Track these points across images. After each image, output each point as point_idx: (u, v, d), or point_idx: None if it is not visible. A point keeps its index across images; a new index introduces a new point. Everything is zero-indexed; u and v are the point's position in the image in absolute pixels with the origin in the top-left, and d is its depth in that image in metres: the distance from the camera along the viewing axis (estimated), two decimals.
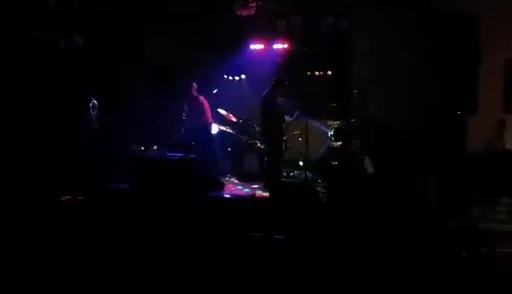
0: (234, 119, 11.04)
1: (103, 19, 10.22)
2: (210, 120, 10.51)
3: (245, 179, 10.11)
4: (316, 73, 11.83)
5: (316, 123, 10.51)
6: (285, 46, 11.62)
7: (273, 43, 11.70)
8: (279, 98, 9.51)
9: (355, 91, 9.94)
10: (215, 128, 10.69)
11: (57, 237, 6.59)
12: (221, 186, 8.86)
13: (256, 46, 11.74)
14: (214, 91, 10.98)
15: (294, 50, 11.63)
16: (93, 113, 10.23)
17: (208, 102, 10.59)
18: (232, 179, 10.19)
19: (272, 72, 10.99)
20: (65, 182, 8.24)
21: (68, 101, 9.76)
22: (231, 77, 12.39)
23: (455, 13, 8.20)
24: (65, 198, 8.07)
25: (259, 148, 10.52)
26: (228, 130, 10.86)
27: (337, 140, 9.96)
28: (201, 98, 10.43)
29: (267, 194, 8.12)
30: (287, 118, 9.73)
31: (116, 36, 10.39)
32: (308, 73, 11.79)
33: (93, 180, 8.82)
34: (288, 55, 11.68)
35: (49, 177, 8.06)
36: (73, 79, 9.78)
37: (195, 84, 10.44)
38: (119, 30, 10.45)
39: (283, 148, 9.76)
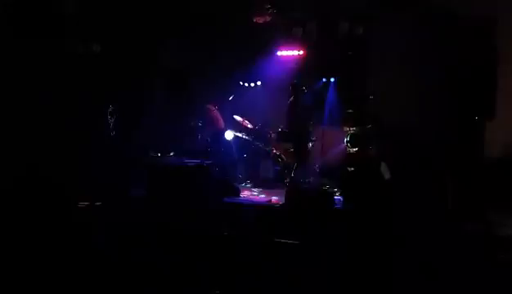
0: (250, 126, 11.07)
1: (120, 25, 10.30)
2: (222, 126, 10.59)
3: (261, 185, 10.12)
4: (332, 79, 11.82)
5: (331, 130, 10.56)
6: (301, 52, 11.65)
7: (289, 50, 11.74)
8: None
9: (371, 97, 9.93)
10: (231, 135, 10.73)
11: (73, 243, 6.63)
12: (236, 192, 8.87)
13: (272, 53, 11.78)
14: (230, 98, 11.03)
15: (309, 56, 11.66)
16: (111, 120, 10.30)
17: (224, 108, 10.66)
18: (248, 185, 10.19)
19: (288, 78, 11.05)
20: (82, 189, 8.29)
21: (85, 108, 9.83)
22: (246, 84, 12.43)
23: (472, 16, 8.16)
24: (82, 204, 8.13)
25: (275, 154, 10.55)
26: (244, 136, 10.89)
27: (353, 147, 9.94)
28: (209, 107, 10.57)
29: (282, 200, 8.10)
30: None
31: (133, 42, 10.47)
32: (324, 79, 11.79)
33: (110, 187, 8.87)
34: (304, 62, 11.70)
35: (66, 184, 8.11)
36: (90, 86, 9.87)
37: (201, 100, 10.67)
38: (135, 36, 10.52)
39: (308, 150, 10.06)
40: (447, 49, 8.64)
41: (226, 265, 6.68)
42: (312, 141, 10.15)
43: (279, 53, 11.87)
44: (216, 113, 10.58)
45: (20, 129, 8.96)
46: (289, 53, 11.84)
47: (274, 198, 8.63)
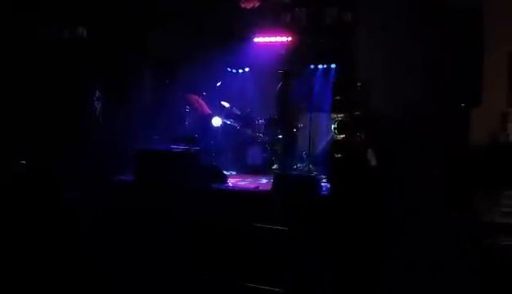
0: (237, 112, 11.05)
1: (106, 10, 10.21)
2: (208, 112, 10.58)
3: (249, 171, 10.13)
4: (320, 65, 11.80)
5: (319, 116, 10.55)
6: (290, 38, 11.61)
7: (277, 36, 11.69)
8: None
9: (359, 84, 9.94)
10: (218, 121, 10.70)
11: (62, 231, 6.61)
12: (224, 179, 8.86)
13: (260, 39, 11.74)
14: (218, 84, 10.99)
15: (298, 42, 11.63)
16: (98, 105, 10.24)
17: (212, 95, 10.64)
18: (235, 171, 10.20)
19: (276, 65, 11.03)
20: (69, 176, 8.25)
21: (72, 94, 9.76)
22: (234, 70, 12.38)
23: (459, 6, 8.17)
24: (69, 192, 8.09)
25: (263, 141, 10.56)
26: (232, 123, 10.88)
27: (340, 133, 9.97)
28: (189, 96, 10.56)
29: (269, 187, 8.11)
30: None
31: (119, 28, 10.38)
32: (312, 65, 11.76)
33: (98, 173, 8.83)
34: (292, 48, 11.67)
35: (53, 171, 8.07)
36: (77, 71, 9.79)
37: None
38: (122, 22, 10.44)
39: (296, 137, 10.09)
40: (434, 36, 8.66)
41: (213, 251, 6.71)
42: (298, 128, 10.14)
43: (267, 39, 11.80)
44: (198, 100, 10.58)
45: (5, 115, 8.90)
46: (277, 39, 11.77)
47: (261, 185, 8.64)
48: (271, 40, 11.79)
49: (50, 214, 6.88)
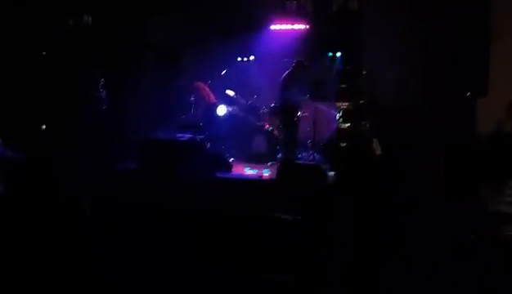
0: (242, 101, 11.03)
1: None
2: (214, 101, 10.54)
3: (253, 160, 10.13)
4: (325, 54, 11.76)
5: (324, 105, 10.53)
6: (295, 26, 11.57)
7: (283, 24, 11.65)
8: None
9: (364, 73, 9.90)
10: (223, 109, 10.69)
11: (61, 222, 6.61)
12: (229, 167, 8.88)
13: (272, 27, 11.71)
14: (223, 73, 10.97)
15: (304, 31, 11.59)
16: (102, 94, 10.24)
17: (217, 83, 10.62)
18: (240, 160, 10.20)
19: (282, 53, 11.00)
20: (72, 165, 8.25)
21: (76, 81, 9.77)
22: (239, 59, 12.34)
23: None
24: (70, 182, 8.08)
25: (267, 129, 10.55)
26: (236, 111, 10.86)
27: (345, 122, 9.93)
28: (196, 84, 10.51)
29: (274, 175, 8.12)
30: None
31: (123, 16, 10.35)
32: (318, 54, 11.72)
33: (102, 162, 8.84)
34: (298, 36, 11.62)
35: (53, 161, 8.06)
36: (81, 59, 9.78)
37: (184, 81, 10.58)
38: (126, 9, 10.40)
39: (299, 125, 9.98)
40: (441, 25, 8.60)
41: (217, 240, 6.72)
42: (298, 117, 10.03)
43: (272, 27, 11.76)
44: (205, 88, 10.53)
45: (8, 102, 8.90)
46: (282, 27, 11.74)
47: (266, 174, 8.65)
48: (277, 28, 11.75)
49: (49, 205, 6.88)
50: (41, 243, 5.91)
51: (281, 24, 11.68)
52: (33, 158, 7.63)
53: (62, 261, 5.66)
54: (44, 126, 9.10)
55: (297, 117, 9.91)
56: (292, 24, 11.60)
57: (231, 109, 10.82)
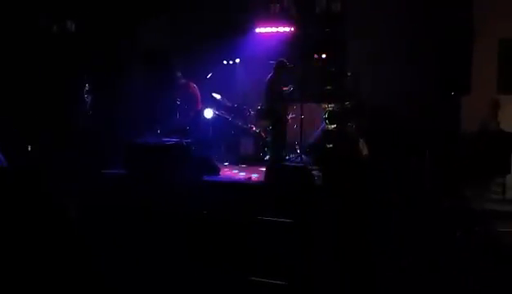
0: (229, 103, 11.03)
1: (94, 3, 10.13)
2: (200, 105, 10.49)
3: (241, 163, 10.13)
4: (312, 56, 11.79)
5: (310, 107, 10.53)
6: (280, 29, 11.59)
7: (268, 27, 11.67)
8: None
9: (349, 74, 9.94)
10: (210, 113, 10.67)
11: (51, 227, 6.56)
12: (216, 170, 8.86)
13: (257, 30, 11.73)
14: (209, 76, 10.95)
15: (288, 33, 11.61)
16: (87, 99, 10.19)
17: (203, 86, 10.57)
18: (228, 163, 10.19)
19: (267, 55, 11.00)
20: (60, 170, 8.20)
21: (61, 88, 9.71)
22: (225, 62, 12.32)
23: None
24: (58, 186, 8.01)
25: (255, 132, 10.55)
26: (223, 114, 10.85)
27: (331, 123, 9.97)
28: (190, 85, 10.43)
29: (262, 178, 8.12)
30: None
31: (108, 19, 10.31)
32: (302, 55, 11.74)
33: (89, 167, 8.79)
34: (283, 39, 11.64)
35: (40, 168, 8.00)
36: (66, 65, 9.72)
37: (178, 73, 10.46)
38: (110, 15, 10.36)
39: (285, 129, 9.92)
40: (424, 24, 8.68)
41: (206, 243, 6.71)
42: (285, 119, 10.02)
43: (257, 30, 11.78)
44: (196, 90, 10.47)
45: None
46: (267, 30, 11.76)
47: (254, 176, 8.64)
48: (262, 31, 11.77)
49: (38, 213, 6.82)
50: (28, 252, 5.88)
51: (266, 27, 11.70)
52: (21, 168, 7.57)
53: (51, 269, 5.63)
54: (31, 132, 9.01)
55: (284, 118, 9.92)
56: (277, 27, 11.62)
57: (217, 112, 10.80)
